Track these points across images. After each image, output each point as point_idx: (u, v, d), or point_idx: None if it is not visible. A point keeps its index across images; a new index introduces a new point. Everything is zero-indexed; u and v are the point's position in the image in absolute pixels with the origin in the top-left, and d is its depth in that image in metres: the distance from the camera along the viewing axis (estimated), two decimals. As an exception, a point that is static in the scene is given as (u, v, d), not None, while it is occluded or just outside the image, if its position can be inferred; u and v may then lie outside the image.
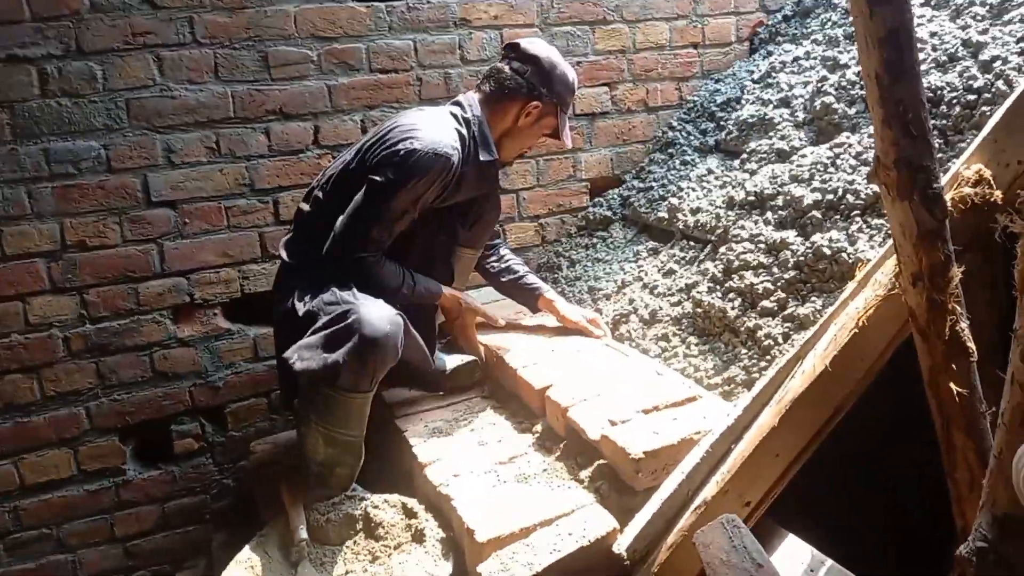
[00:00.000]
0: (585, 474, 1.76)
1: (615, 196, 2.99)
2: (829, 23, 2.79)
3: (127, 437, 2.50)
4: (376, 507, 1.83)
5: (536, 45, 2.17)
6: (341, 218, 1.99)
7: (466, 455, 1.92)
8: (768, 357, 1.90)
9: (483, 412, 2.16)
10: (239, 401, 2.60)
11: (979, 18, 2.16)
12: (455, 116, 2.12)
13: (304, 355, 1.83)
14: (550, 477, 1.79)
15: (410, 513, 1.81)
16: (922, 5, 2.37)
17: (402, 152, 1.94)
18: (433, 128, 2.01)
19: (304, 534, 1.76)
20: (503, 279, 2.45)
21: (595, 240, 2.88)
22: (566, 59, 2.21)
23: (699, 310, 2.18)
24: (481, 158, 2.10)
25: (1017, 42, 1.97)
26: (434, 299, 2.18)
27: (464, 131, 2.08)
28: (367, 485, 2.03)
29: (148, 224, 2.41)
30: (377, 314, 1.82)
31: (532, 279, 2.44)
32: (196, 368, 2.53)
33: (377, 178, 1.96)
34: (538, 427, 2.00)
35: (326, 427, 1.85)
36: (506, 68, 2.14)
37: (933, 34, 2.21)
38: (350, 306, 1.85)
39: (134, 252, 2.40)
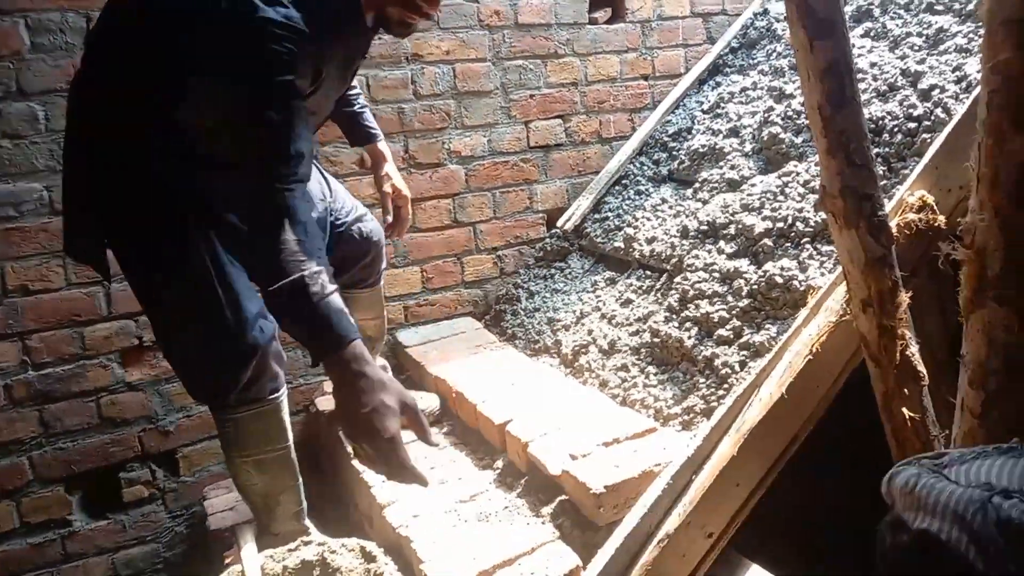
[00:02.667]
0: (547, 510, 1.73)
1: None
2: (774, 54, 2.86)
3: (73, 486, 2.40)
4: (333, 552, 1.78)
5: None
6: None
7: (426, 495, 1.88)
8: (725, 385, 1.91)
9: (443, 449, 2.13)
10: (191, 445, 2.52)
11: (917, 48, 2.24)
12: None
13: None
14: (511, 515, 1.77)
15: (369, 557, 1.76)
16: (862, 36, 2.44)
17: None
18: None
19: (259, 584, 1.70)
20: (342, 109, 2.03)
21: (553, 271, 2.88)
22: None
23: (657, 340, 2.19)
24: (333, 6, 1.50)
25: (953, 71, 2.04)
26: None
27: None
28: (325, 530, 1.98)
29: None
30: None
31: (371, 120, 2.14)
32: (146, 412, 2.45)
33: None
34: (499, 463, 1.97)
35: (252, 453, 1.78)
36: None
37: (873, 64, 2.28)
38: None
39: (79, 295, 2.33)
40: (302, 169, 1.41)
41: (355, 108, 2.10)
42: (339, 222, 2.00)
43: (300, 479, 1.90)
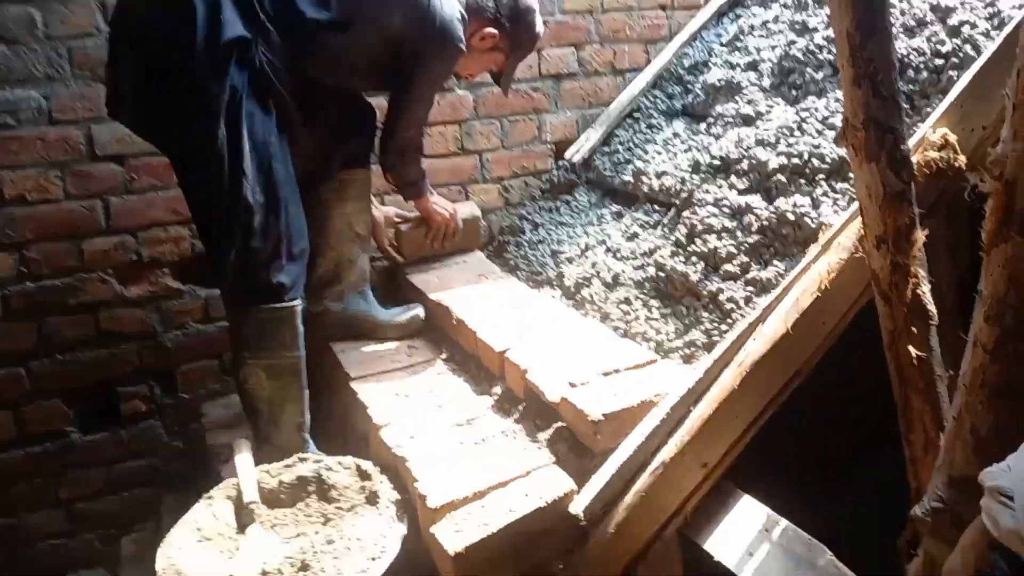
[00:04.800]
0: (544, 436, 1.74)
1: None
2: (799, -14, 2.75)
3: (71, 399, 2.40)
4: (329, 469, 1.79)
5: None
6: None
7: (423, 417, 1.88)
8: (729, 320, 1.89)
9: (441, 374, 2.12)
10: (190, 363, 2.52)
11: (948, -18, 2.15)
12: None
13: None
14: (508, 439, 1.77)
15: (364, 475, 1.77)
16: (892, -31, 2.34)
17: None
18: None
19: (254, 496, 1.71)
20: None
21: (559, 203, 2.83)
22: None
23: (661, 274, 2.16)
24: None
25: (985, 7, 1.96)
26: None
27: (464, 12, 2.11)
28: (323, 449, 1.99)
29: (93, 179, 2.30)
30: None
31: None
32: (144, 329, 2.44)
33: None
34: (497, 389, 1.97)
35: (264, 356, 1.86)
36: None
37: (902, -2, 2.19)
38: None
39: (78, 208, 2.29)
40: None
41: None
42: None
43: (307, 392, 1.92)
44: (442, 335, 2.34)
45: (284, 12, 1.82)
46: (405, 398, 1.99)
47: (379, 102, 2.36)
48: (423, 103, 2.16)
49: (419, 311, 2.38)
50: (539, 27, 2.22)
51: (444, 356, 2.23)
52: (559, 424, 1.72)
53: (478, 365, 2.11)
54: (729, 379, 1.57)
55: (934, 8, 2.08)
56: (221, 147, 1.74)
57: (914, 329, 1.40)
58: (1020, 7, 1.89)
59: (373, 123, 2.34)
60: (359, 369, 2.16)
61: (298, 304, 1.92)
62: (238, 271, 1.84)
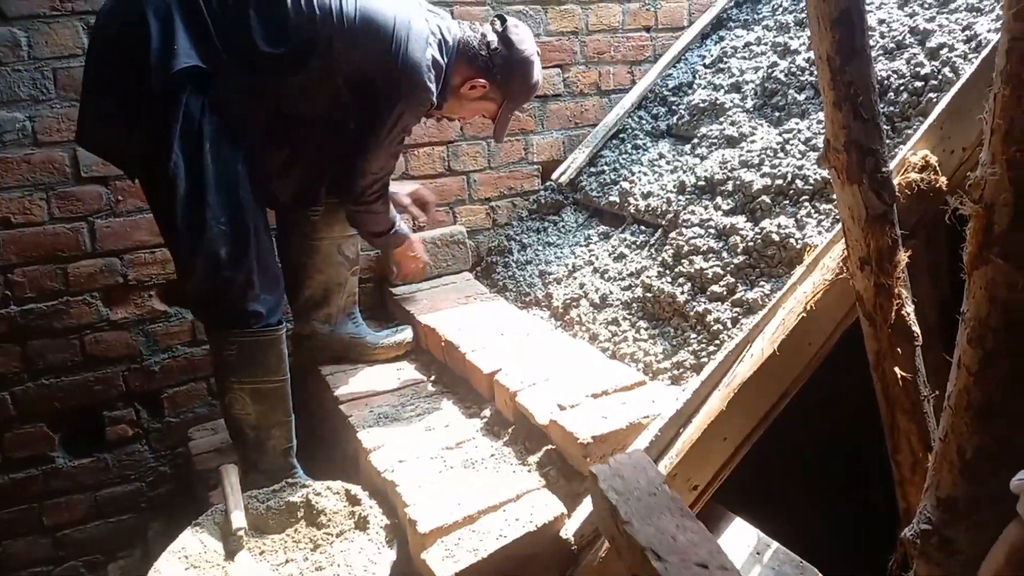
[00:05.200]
0: (533, 459, 1.73)
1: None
2: (780, 9, 2.80)
3: (56, 424, 2.38)
4: (318, 494, 1.78)
5: (520, 33, 2.10)
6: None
7: (412, 441, 1.88)
8: (717, 342, 1.90)
9: (431, 397, 2.12)
10: (176, 386, 2.50)
11: (926, 6, 2.19)
12: (441, 39, 2.02)
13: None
14: (498, 462, 1.76)
15: (353, 500, 1.76)
16: (871, -7, 2.38)
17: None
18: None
19: (242, 522, 1.69)
20: None
21: (546, 224, 2.85)
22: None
23: (649, 295, 2.17)
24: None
25: (963, 30, 1.99)
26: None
27: (440, 59, 2.00)
28: (311, 474, 1.98)
29: (78, 201, 2.28)
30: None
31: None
32: (130, 352, 2.42)
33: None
34: (486, 412, 1.97)
35: (249, 381, 1.86)
36: (488, 34, 2.07)
37: (881, 21, 2.23)
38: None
39: (62, 230, 2.28)
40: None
41: None
42: None
43: (293, 416, 1.92)
44: (431, 357, 2.34)
45: (240, 44, 1.77)
46: (394, 421, 1.99)
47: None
48: (384, 150, 2.00)
49: (408, 333, 2.38)
50: (536, 78, 2.13)
51: (433, 378, 2.22)
52: (549, 447, 1.72)
53: (467, 387, 2.10)
54: (717, 401, 1.58)
55: (913, 31, 2.12)
56: (176, 177, 1.71)
57: (899, 350, 1.42)
58: (997, 31, 1.92)
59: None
60: (347, 392, 2.15)
61: (282, 329, 1.92)
62: (212, 300, 1.84)
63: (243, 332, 1.84)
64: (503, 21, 2.11)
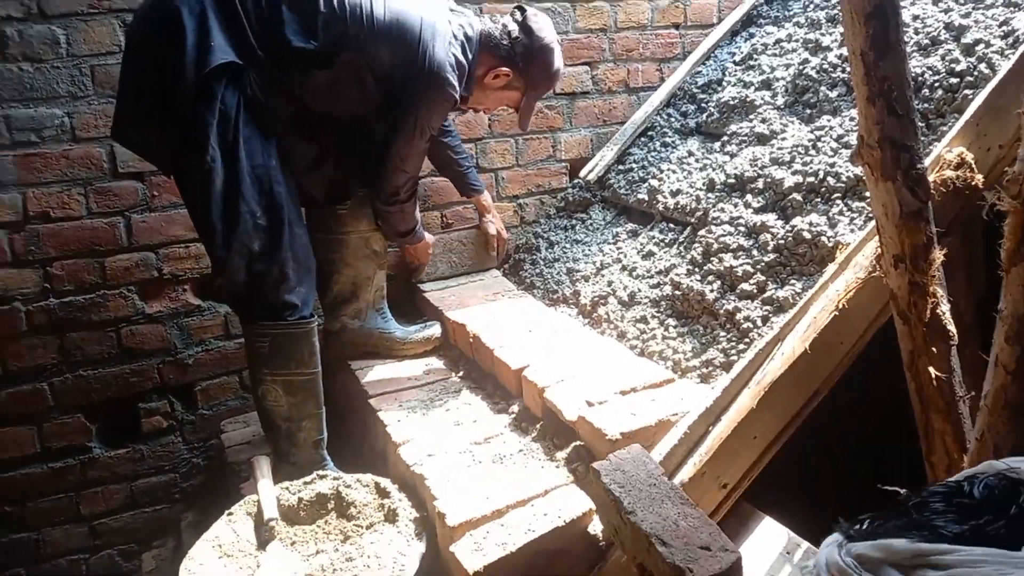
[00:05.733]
0: (561, 455, 1.74)
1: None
2: (811, 6, 2.77)
3: (93, 415, 2.43)
4: (348, 486, 1.80)
5: (539, 21, 2.15)
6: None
7: (441, 435, 1.89)
8: (747, 340, 1.89)
9: (459, 392, 2.13)
10: (210, 379, 2.54)
11: (962, 1, 2.16)
12: (464, 38, 2.07)
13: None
14: (526, 458, 1.77)
15: (383, 493, 1.78)
16: (906, -12, 2.35)
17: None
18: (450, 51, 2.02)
19: (274, 513, 1.72)
20: (452, 168, 2.56)
21: (574, 221, 2.85)
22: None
23: (678, 292, 2.16)
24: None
25: (999, 25, 1.96)
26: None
27: (462, 58, 2.05)
28: (341, 466, 2.01)
29: (115, 196, 2.33)
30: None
31: (474, 178, 2.59)
32: (165, 345, 2.47)
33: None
34: (515, 407, 1.98)
35: (282, 373, 1.90)
36: (508, 24, 2.13)
37: (916, 17, 2.20)
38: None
39: (100, 225, 2.33)
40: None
41: (463, 168, 2.54)
42: None
43: (324, 409, 1.94)
44: (459, 353, 2.35)
45: (272, 40, 1.81)
46: (423, 416, 2.00)
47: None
48: (412, 149, 2.05)
49: (436, 329, 2.40)
50: (557, 65, 2.16)
51: (461, 374, 2.24)
52: (577, 443, 1.73)
53: (495, 383, 2.12)
54: (747, 399, 1.58)
55: (948, 27, 2.09)
56: (212, 171, 1.76)
57: (934, 349, 1.40)
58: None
59: None
60: (377, 386, 2.18)
61: (314, 322, 1.95)
62: (246, 293, 1.87)
63: (276, 324, 1.87)
64: (523, 11, 2.16)
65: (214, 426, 2.50)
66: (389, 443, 1.92)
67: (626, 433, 1.62)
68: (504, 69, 2.11)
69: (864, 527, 0.76)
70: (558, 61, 2.17)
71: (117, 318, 2.39)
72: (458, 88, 2.01)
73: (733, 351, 1.90)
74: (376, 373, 2.26)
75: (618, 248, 2.57)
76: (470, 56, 2.07)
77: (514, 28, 2.12)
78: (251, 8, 1.79)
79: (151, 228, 2.39)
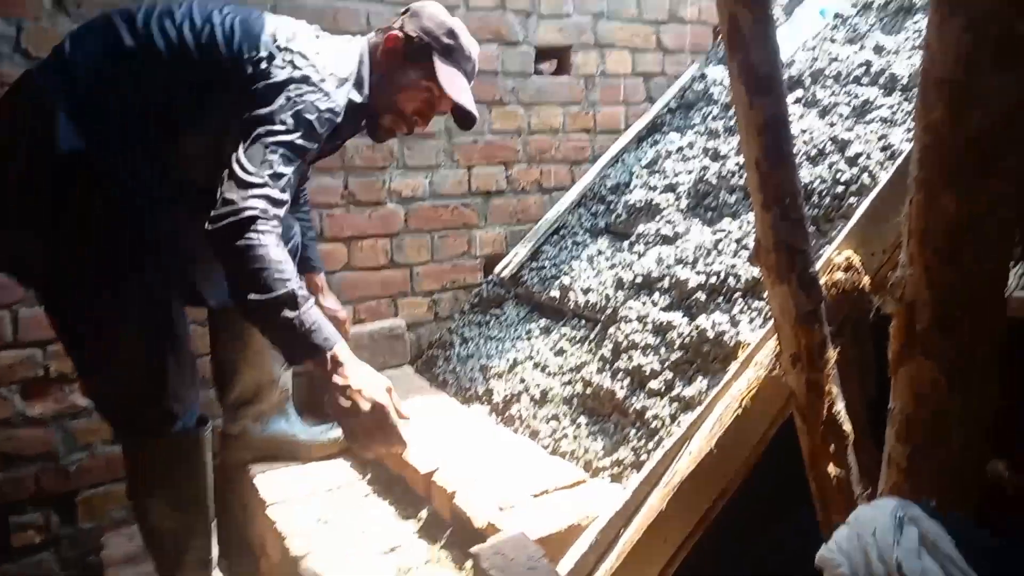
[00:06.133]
0: (471, 564, 1.66)
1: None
2: (710, 116, 2.94)
3: (-44, 529, 2.20)
4: (240, 607, 1.66)
5: (416, 3, 1.89)
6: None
7: (345, 546, 1.79)
8: (656, 438, 1.89)
9: (365, 498, 2.03)
10: (93, 488, 2.34)
11: (845, 117, 2.33)
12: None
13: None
14: (433, 568, 1.69)
15: (278, 612, 1.65)
16: (794, 103, 2.53)
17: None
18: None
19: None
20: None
21: (489, 317, 2.85)
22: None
23: (589, 390, 2.16)
24: (353, 98, 1.71)
25: (878, 140, 2.12)
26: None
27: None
28: (234, 581, 1.86)
29: (2, 288, 2.19)
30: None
31: (314, 254, 2.27)
32: (46, 450, 2.27)
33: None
34: (423, 513, 1.89)
35: (166, 489, 1.73)
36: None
37: (804, 130, 2.36)
38: None
39: (-18, 320, 2.18)
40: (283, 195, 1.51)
41: (304, 239, 2.17)
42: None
43: (214, 524, 1.80)
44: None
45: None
46: (325, 524, 1.89)
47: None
48: None
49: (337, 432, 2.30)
50: (450, 20, 1.85)
51: (368, 478, 2.14)
52: (486, 550, 1.65)
53: (404, 487, 2.03)
54: (657, 499, 1.56)
55: (833, 140, 2.24)
56: (82, 274, 1.60)
57: (831, 447, 1.43)
58: (909, 140, 2.05)
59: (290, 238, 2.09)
60: (276, 494, 2.05)
61: (203, 431, 1.79)
62: (119, 405, 1.71)
63: (159, 438, 1.71)
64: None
65: (94, 541, 2.28)
66: (287, 558, 1.79)
67: (538, 540, 1.56)
68: (392, 32, 1.81)
69: None
70: (449, 17, 1.86)
71: (-7, 421, 2.21)
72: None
73: (643, 450, 1.89)
74: (277, 478, 2.14)
75: (531, 345, 2.57)
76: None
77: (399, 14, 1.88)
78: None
79: (39, 323, 2.24)
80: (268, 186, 1.46)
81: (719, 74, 3.12)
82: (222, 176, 1.48)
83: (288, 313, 1.41)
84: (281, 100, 1.53)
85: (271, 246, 1.42)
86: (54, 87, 1.56)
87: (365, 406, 1.46)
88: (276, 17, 1.70)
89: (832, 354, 1.44)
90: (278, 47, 1.59)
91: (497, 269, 2.98)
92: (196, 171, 1.62)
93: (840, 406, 1.44)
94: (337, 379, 1.45)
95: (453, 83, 1.80)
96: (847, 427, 1.44)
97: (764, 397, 1.59)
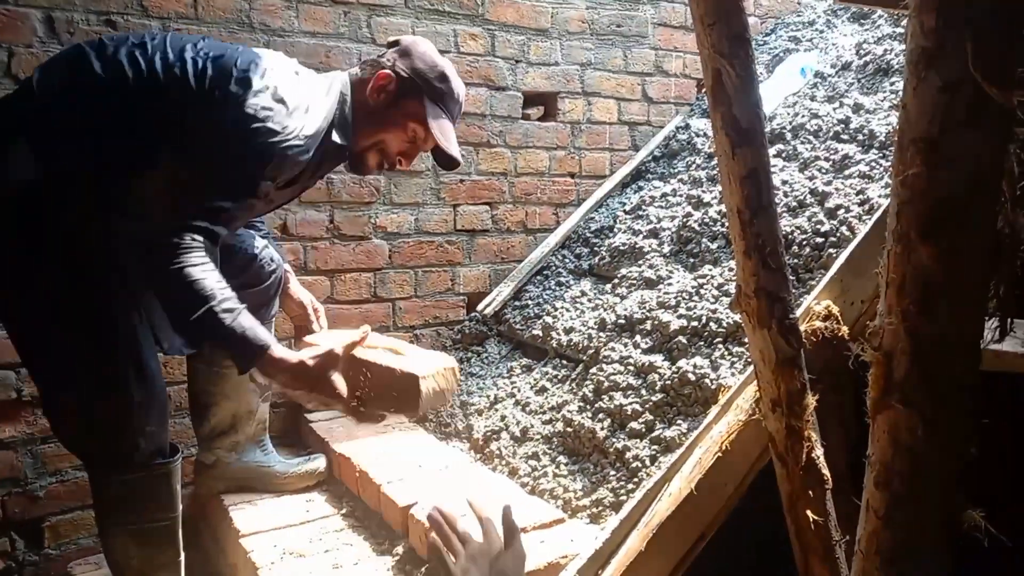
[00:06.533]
0: (446, 601, 1.64)
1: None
2: (694, 165, 3.02)
3: (-85, 555, 2.14)
4: (209, 639, 1.63)
5: (407, 38, 1.87)
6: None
7: (318, 579, 1.76)
8: (636, 479, 1.90)
9: (340, 532, 2.01)
10: (62, 514, 2.30)
11: (824, 171, 2.40)
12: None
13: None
14: (408, 605, 1.67)
15: (248, 646, 1.61)
16: (775, 156, 2.61)
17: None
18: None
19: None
20: None
21: (470, 354, 2.85)
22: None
23: (569, 429, 2.17)
24: (334, 138, 1.73)
25: (857, 194, 2.19)
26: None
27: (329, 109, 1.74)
28: (202, 614, 1.82)
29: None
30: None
31: (275, 251, 2.15)
32: (14, 474, 2.23)
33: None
34: (399, 548, 1.88)
35: (133, 522, 1.68)
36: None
37: (784, 182, 2.43)
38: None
39: (-45, 340, 2.15)
40: (216, 227, 1.55)
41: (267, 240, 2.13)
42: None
43: (182, 556, 1.77)
44: (344, 488, 2.24)
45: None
46: (300, 558, 1.87)
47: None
48: None
49: (320, 462, 2.29)
50: (441, 61, 1.83)
51: (345, 511, 2.12)
52: (463, 587, 1.64)
53: (380, 522, 2.02)
54: (636, 541, 1.56)
55: (813, 192, 2.31)
56: (41, 299, 1.58)
57: (810, 493, 1.44)
58: (886, 196, 2.12)
59: (254, 264, 2.03)
60: (250, 524, 2.02)
61: (175, 462, 1.73)
62: (85, 438, 1.67)
63: (127, 471, 1.66)
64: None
65: (60, 568, 2.23)
66: (260, 588, 1.77)
67: (514, 577, 1.55)
68: (384, 72, 1.78)
69: None
70: (440, 58, 1.84)
71: (-39, 443, 2.16)
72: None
73: (623, 490, 1.89)
74: (251, 509, 2.11)
75: (512, 383, 2.58)
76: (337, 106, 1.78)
77: (386, 49, 1.87)
78: None
79: (9, 345, 2.21)
80: (204, 220, 1.52)
81: (702, 125, 3.21)
82: (165, 206, 1.55)
83: (216, 327, 1.47)
84: (238, 140, 1.55)
85: (194, 267, 1.47)
86: (16, 114, 1.57)
87: (311, 366, 1.52)
88: (252, 52, 1.67)
89: (811, 400, 1.47)
90: (248, 86, 1.58)
91: (480, 307, 3.01)
92: (153, 203, 1.60)
93: (819, 452, 1.46)
94: (283, 379, 1.53)
95: (442, 129, 1.81)
96: (826, 473, 1.46)
97: (744, 440, 1.61)
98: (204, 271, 1.48)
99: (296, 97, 1.63)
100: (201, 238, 1.51)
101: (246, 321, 1.50)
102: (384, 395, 1.57)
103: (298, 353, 1.55)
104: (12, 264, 1.58)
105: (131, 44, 1.61)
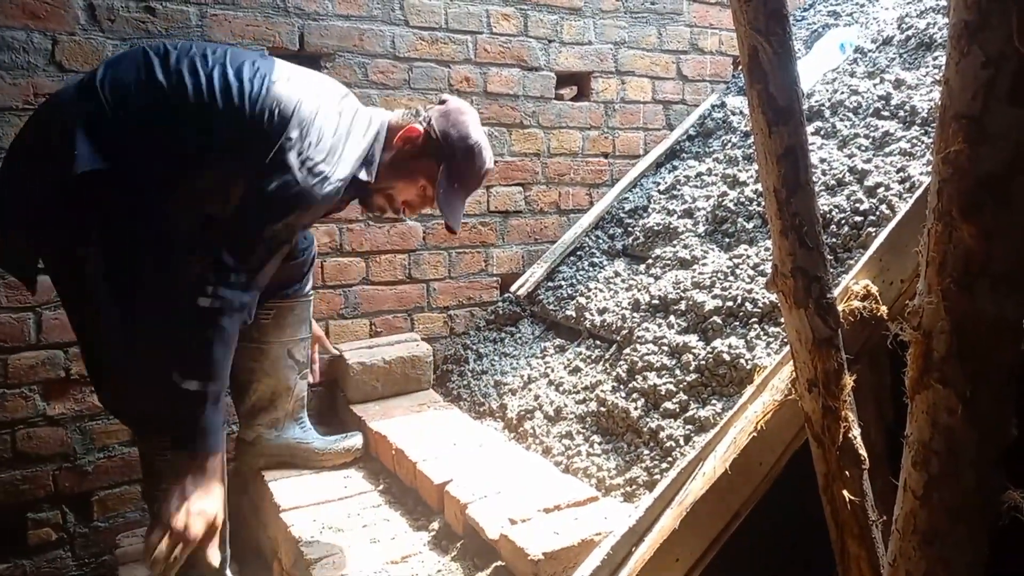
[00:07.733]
0: (482, 576, 1.68)
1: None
2: (729, 144, 2.98)
3: (-26, 526, 2.23)
4: (253, 610, 1.68)
5: (455, 101, 1.96)
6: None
7: (356, 553, 1.80)
8: (669, 458, 1.91)
9: (377, 508, 2.05)
10: (109, 488, 2.38)
11: (864, 148, 2.36)
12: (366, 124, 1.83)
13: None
14: (444, 579, 1.70)
15: (290, 617, 1.66)
16: (813, 134, 2.56)
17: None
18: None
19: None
20: None
21: (503, 335, 2.87)
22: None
23: (603, 409, 2.18)
24: (359, 175, 1.79)
25: (897, 171, 2.15)
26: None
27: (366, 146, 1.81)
28: (245, 585, 1.88)
29: (26, 291, 2.24)
30: None
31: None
32: (64, 449, 2.31)
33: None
34: (435, 524, 1.91)
35: None
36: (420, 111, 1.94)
37: (823, 160, 2.39)
38: None
39: (8, 319, 2.22)
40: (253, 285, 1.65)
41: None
42: None
43: (227, 524, 1.82)
44: (380, 465, 2.29)
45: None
46: (339, 532, 1.91)
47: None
48: None
49: (358, 439, 2.33)
50: (476, 135, 1.90)
51: (381, 488, 2.16)
52: (498, 563, 1.67)
53: (416, 498, 2.05)
54: (670, 519, 1.57)
55: (852, 170, 2.27)
56: (96, 286, 1.63)
57: (847, 473, 1.43)
58: (927, 173, 2.08)
59: (305, 248, 2.21)
60: (291, 500, 2.08)
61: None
62: (142, 411, 1.72)
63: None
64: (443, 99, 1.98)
65: (109, 540, 2.32)
66: (300, 561, 1.81)
67: (548, 553, 1.58)
68: (415, 126, 1.86)
69: None
70: (476, 133, 1.90)
71: (14, 419, 2.24)
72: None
73: (656, 469, 1.90)
74: (291, 485, 2.16)
75: (546, 363, 2.59)
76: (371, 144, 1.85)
77: (425, 110, 1.93)
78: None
79: (62, 325, 2.29)
80: (247, 277, 1.61)
81: (738, 103, 3.17)
82: (212, 249, 1.60)
83: (202, 404, 1.57)
84: (282, 188, 1.62)
85: (223, 343, 1.59)
86: (79, 110, 1.63)
87: (179, 524, 1.53)
88: (303, 86, 1.73)
89: (848, 380, 1.46)
90: (299, 130, 1.65)
91: (513, 288, 3.02)
92: (193, 213, 1.71)
93: (856, 432, 1.45)
94: (189, 483, 1.57)
95: (448, 199, 1.87)
96: (863, 453, 1.45)
97: (780, 421, 1.60)
98: (224, 348, 1.60)
99: (336, 139, 1.70)
100: (242, 298, 1.61)
101: (219, 419, 1.62)
102: None
103: (219, 486, 1.61)
104: (69, 245, 1.64)
105: (193, 55, 1.69)
